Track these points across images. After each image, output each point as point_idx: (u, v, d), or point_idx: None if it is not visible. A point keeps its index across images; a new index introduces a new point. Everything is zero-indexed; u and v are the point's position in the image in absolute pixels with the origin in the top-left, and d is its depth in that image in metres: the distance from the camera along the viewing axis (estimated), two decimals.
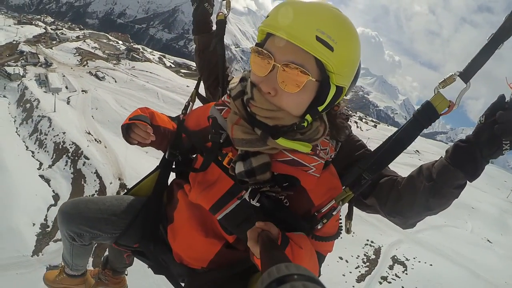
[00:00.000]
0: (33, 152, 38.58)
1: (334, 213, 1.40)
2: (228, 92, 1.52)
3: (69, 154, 36.33)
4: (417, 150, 76.71)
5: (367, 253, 26.20)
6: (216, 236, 1.57)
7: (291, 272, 0.57)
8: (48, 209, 27.29)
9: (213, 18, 2.26)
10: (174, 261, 1.71)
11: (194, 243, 1.59)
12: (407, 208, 1.43)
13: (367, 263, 25.33)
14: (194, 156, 1.86)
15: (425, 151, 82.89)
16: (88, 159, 34.80)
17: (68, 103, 51.05)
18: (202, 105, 2.01)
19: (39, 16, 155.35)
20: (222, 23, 2.14)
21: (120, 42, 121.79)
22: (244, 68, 1.43)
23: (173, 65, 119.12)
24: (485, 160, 1.23)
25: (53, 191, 31.32)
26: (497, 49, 1.25)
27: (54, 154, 37.43)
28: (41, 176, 33.74)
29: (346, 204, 1.52)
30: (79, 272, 2.27)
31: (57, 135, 39.54)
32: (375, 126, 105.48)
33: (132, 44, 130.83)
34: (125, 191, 2.15)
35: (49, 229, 25.50)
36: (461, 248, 29.89)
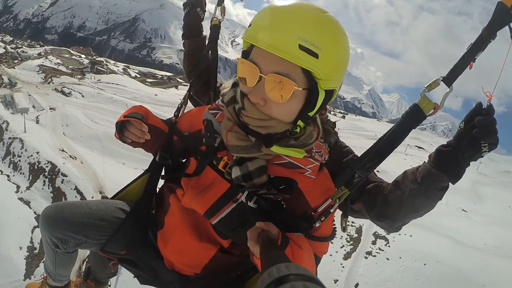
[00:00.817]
0: (8, 176, 37.65)
1: (331, 210, 1.43)
2: (221, 97, 1.51)
3: (46, 174, 35.69)
4: None
5: (349, 233, 27.10)
6: (210, 241, 1.55)
7: (291, 272, 0.57)
8: (32, 231, 26.77)
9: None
10: (164, 268, 1.67)
11: (188, 249, 1.57)
12: (394, 211, 1.48)
13: (351, 242, 26.27)
14: (184, 160, 1.83)
15: None
16: (66, 176, 34.37)
17: (37, 122, 50.03)
18: (194, 107, 2.02)
19: None
20: (216, 28, 2.16)
21: (83, 56, 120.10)
22: (235, 74, 1.42)
23: (138, 75, 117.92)
24: (466, 162, 1.33)
25: (34, 212, 30.34)
26: (475, 57, 1.35)
27: (31, 175, 36.67)
28: (21, 199, 32.92)
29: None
30: (62, 283, 2.16)
31: (31, 155, 38.68)
32: (343, 117, 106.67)
33: (95, 57, 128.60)
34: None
35: (36, 251, 25.17)
36: (438, 219, 30.88)
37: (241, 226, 1.40)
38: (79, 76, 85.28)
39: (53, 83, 74.71)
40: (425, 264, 23.82)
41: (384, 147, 1.45)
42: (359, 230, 27.67)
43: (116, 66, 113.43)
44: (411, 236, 26.19)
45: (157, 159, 1.79)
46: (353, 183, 1.47)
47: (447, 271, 23.33)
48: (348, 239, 26.53)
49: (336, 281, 21.88)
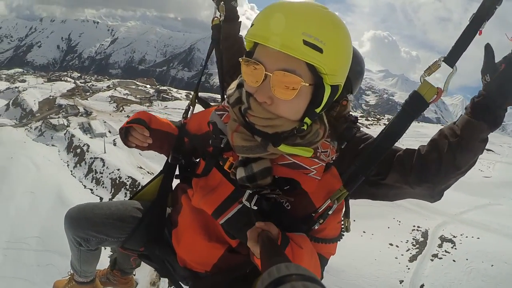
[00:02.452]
0: (91, 190, 40.92)
1: (330, 212, 1.39)
2: (226, 98, 1.50)
3: (127, 187, 38.62)
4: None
5: (415, 237, 26.53)
6: (219, 240, 1.57)
7: (291, 272, 0.56)
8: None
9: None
10: (178, 265, 1.71)
11: (197, 248, 1.60)
12: (434, 172, 1.42)
13: (417, 245, 25.97)
14: (197, 160, 1.87)
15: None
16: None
17: (114, 144, 53.53)
18: (203, 109, 2.01)
19: (65, 73, 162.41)
20: (217, 27, 2.18)
21: (148, 86, 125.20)
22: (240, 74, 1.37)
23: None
24: (501, 109, 1.32)
25: None
26: (480, 28, 1.26)
27: (113, 189, 39.81)
28: None
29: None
30: (88, 278, 2.27)
31: (112, 172, 41.83)
32: None
33: (158, 86, 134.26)
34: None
35: None
36: (505, 221, 29.23)
37: (247, 226, 1.33)
38: (148, 104, 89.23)
39: (125, 111, 79.51)
40: (492, 265, 22.97)
41: (382, 142, 1.42)
42: (425, 234, 27.26)
43: (179, 93, 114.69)
44: (478, 238, 25.43)
45: (169, 160, 1.85)
46: (353, 182, 1.43)
47: None
48: (414, 243, 26.39)
49: (401, 281, 21.98)
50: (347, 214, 1.50)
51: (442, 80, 1.34)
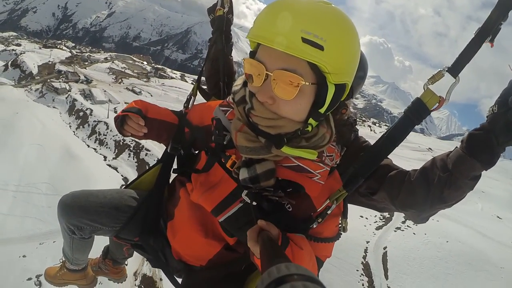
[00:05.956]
0: (95, 149, 43.01)
1: (328, 212, 1.39)
2: (232, 95, 1.47)
3: (131, 148, 40.83)
4: (430, 148, 76.19)
5: (382, 214, 29.87)
6: (216, 237, 1.57)
7: (291, 272, 0.56)
8: (121, 187, 31.84)
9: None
10: (172, 257, 1.71)
11: (193, 243, 1.59)
12: (421, 201, 1.35)
13: (383, 220, 29.30)
14: (196, 152, 1.83)
15: (438, 149, 79.71)
16: (149, 150, 39.11)
17: (115, 112, 53.64)
18: (203, 98, 2.09)
19: (60, 41, 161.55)
20: (221, 18, 2.11)
21: (145, 62, 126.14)
22: None
23: (194, 82, 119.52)
24: (501, 148, 1.18)
25: (121, 175, 36.53)
26: (484, 42, 1.25)
27: (116, 149, 41.94)
28: (109, 165, 38.39)
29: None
30: (79, 266, 2.24)
31: (116, 134, 44.13)
32: None
33: (153, 64, 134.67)
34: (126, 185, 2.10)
35: None
36: (469, 217, 31.65)
37: (247, 225, 1.34)
38: (145, 79, 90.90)
39: (123, 83, 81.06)
40: (447, 242, 26.34)
41: (384, 146, 1.41)
42: (392, 213, 29.66)
43: (174, 73, 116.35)
44: (437, 221, 28.21)
45: (168, 150, 1.83)
46: (352, 183, 1.41)
47: (467, 249, 25.48)
48: (381, 217, 29.90)
49: (368, 242, 25.93)
50: (345, 215, 1.49)
51: (437, 88, 1.35)
